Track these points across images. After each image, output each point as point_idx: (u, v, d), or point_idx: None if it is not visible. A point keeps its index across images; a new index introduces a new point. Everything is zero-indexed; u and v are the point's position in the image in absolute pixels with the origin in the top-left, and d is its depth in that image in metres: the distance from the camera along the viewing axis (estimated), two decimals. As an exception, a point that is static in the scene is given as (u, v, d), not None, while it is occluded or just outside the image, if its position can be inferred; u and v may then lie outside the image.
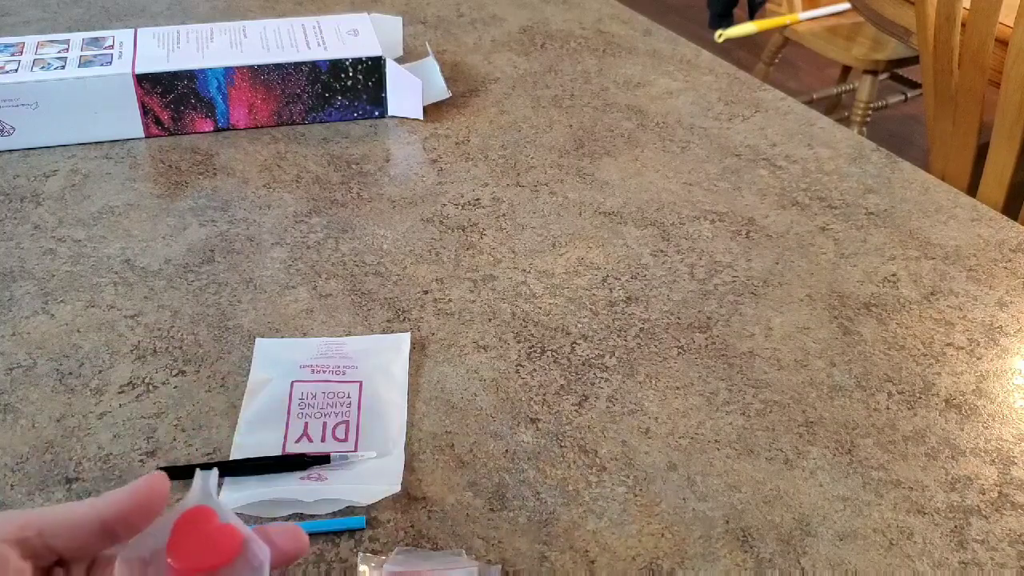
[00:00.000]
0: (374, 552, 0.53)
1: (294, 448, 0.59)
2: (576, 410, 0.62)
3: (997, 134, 1.45)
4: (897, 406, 0.63)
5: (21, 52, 0.87)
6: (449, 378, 0.65)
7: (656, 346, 0.67)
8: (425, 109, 0.93)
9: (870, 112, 2.24)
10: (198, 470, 0.43)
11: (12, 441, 0.59)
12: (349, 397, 0.62)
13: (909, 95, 2.47)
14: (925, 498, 0.57)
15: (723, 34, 2.24)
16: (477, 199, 0.82)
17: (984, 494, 0.58)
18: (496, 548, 0.54)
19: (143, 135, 0.88)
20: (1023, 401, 0.64)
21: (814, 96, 2.44)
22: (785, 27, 2.31)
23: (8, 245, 0.75)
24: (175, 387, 0.63)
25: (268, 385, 0.63)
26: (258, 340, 0.67)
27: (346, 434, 0.60)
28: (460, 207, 0.81)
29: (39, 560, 0.42)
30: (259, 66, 0.87)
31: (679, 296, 0.72)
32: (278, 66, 0.88)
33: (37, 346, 0.66)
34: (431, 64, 0.94)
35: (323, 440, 0.60)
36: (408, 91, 0.91)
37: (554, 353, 0.67)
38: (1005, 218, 0.81)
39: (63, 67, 0.85)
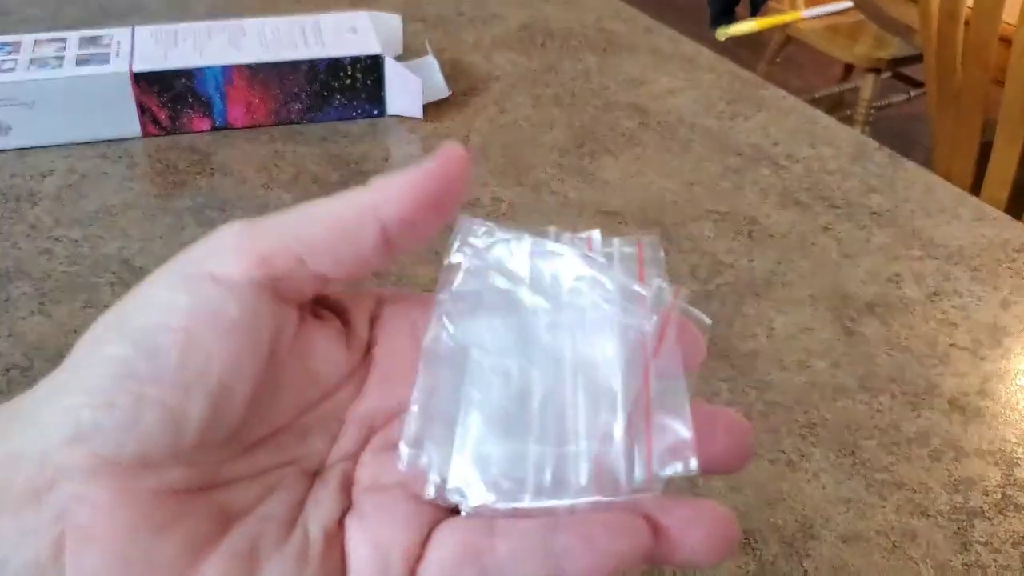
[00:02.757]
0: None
1: (291, 450, 0.59)
2: (576, 411, 0.62)
3: (1001, 133, 1.45)
4: (900, 407, 0.63)
5: (18, 50, 0.87)
6: (448, 379, 0.64)
7: (657, 347, 0.67)
8: (425, 108, 0.92)
9: (873, 111, 2.23)
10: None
11: (7, 443, 0.59)
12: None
13: (912, 94, 2.47)
14: (928, 500, 0.57)
15: (725, 32, 2.24)
16: (477, 199, 0.82)
17: (987, 495, 0.57)
18: (495, 551, 0.53)
19: (140, 134, 0.87)
20: (1028, 402, 0.64)
21: (817, 95, 2.44)
22: (787, 25, 2.30)
23: (4, 245, 0.75)
24: (172, 388, 0.63)
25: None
26: (256, 341, 0.66)
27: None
28: (460, 207, 0.80)
29: (300, 299, 0.31)
30: (257, 65, 0.87)
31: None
32: (276, 65, 0.87)
33: (34, 347, 0.66)
34: (431, 63, 0.94)
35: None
36: (407, 90, 0.90)
37: (554, 354, 0.66)
38: (1009, 218, 0.81)
39: (60, 66, 0.84)
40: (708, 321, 0.33)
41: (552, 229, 0.35)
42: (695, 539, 0.28)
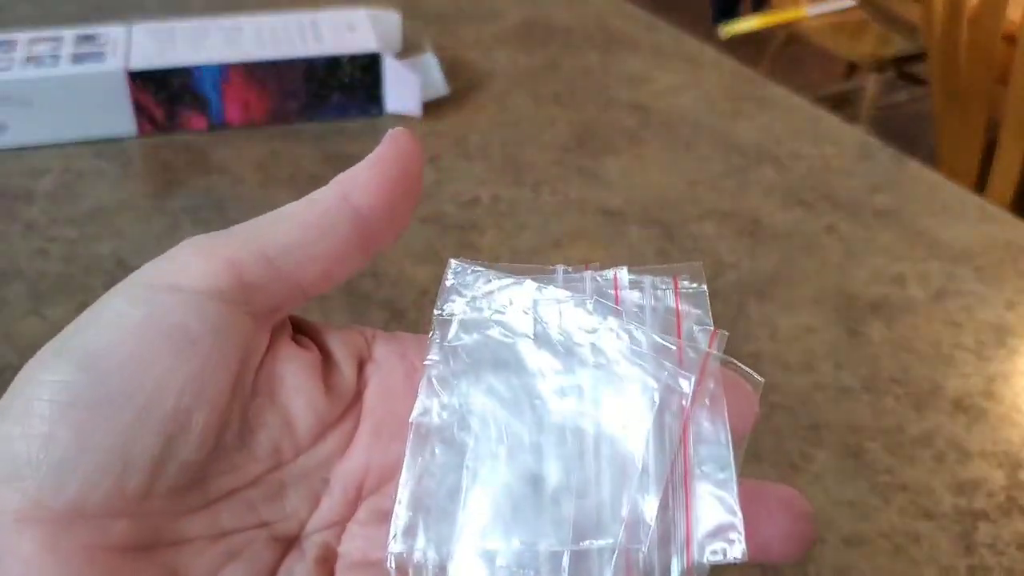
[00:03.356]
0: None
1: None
2: (575, 413, 0.61)
3: (1005, 132, 1.44)
4: (904, 409, 0.62)
5: (13, 48, 0.86)
6: (446, 380, 0.63)
7: (657, 347, 0.66)
8: (423, 106, 0.92)
9: (877, 110, 2.22)
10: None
11: None
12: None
13: (917, 93, 2.46)
14: (932, 502, 0.56)
15: (728, 30, 2.23)
16: (476, 198, 0.81)
17: (992, 497, 0.56)
18: (492, 555, 0.52)
19: (136, 133, 0.87)
20: (1034, 404, 0.63)
21: (820, 93, 2.43)
22: (791, 23, 2.29)
23: (-1, 245, 0.74)
24: (166, 390, 0.62)
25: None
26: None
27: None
28: (459, 206, 0.80)
29: (273, 314, 0.27)
30: (254, 63, 0.86)
31: (681, 296, 0.71)
32: (273, 63, 0.86)
33: (29, 348, 0.65)
34: (430, 60, 0.93)
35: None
36: (406, 88, 0.89)
37: (553, 355, 0.65)
38: (1014, 217, 0.80)
39: (56, 64, 0.84)
40: (760, 379, 0.28)
41: (560, 268, 0.30)
42: None
